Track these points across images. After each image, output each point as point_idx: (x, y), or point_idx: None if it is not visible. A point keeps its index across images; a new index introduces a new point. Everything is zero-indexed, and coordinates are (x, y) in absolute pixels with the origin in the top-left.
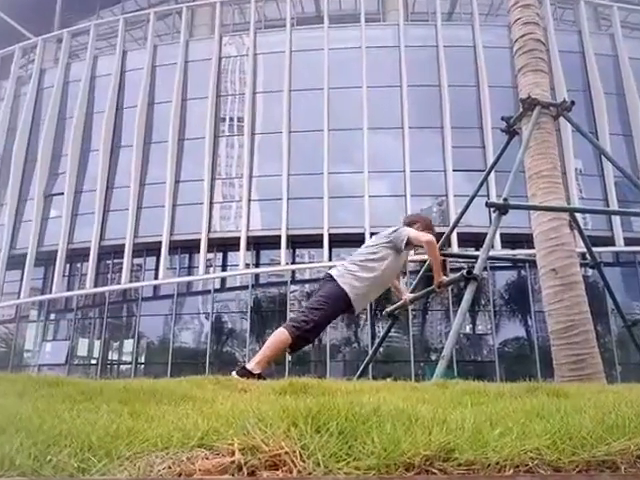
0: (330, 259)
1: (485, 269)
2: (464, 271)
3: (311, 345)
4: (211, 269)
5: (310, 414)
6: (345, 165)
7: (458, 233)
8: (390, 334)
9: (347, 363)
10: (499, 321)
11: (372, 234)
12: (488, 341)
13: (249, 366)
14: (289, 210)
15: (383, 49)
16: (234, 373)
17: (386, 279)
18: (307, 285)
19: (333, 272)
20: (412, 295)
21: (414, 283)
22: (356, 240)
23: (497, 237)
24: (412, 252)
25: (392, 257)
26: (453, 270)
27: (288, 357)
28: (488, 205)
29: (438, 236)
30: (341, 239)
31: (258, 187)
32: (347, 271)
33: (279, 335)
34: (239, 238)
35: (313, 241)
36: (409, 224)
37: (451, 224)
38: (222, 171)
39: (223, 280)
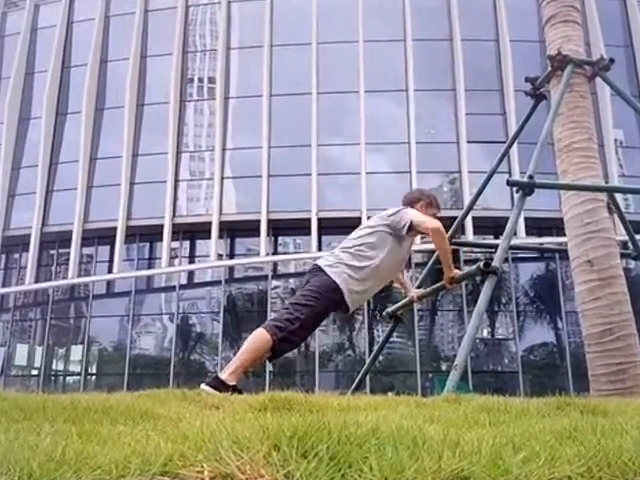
0: (319, 248)
1: (506, 261)
2: (481, 263)
3: (297, 352)
4: (176, 261)
5: (295, 435)
6: (337, 136)
7: (474, 217)
8: (392, 339)
9: (340, 374)
10: (523, 324)
11: (369, 218)
12: (510, 348)
13: (223, 376)
14: (270, 190)
15: None
16: (204, 385)
17: (386, 271)
18: (292, 280)
19: (321, 262)
20: (419, 291)
21: (420, 277)
22: (350, 226)
23: (521, 222)
24: (418, 240)
25: (392, 244)
26: (468, 262)
27: (269, 367)
28: (510, 184)
29: (449, 221)
30: (332, 224)
31: (233, 162)
32: (339, 260)
33: (258, 337)
34: (210, 223)
35: (299, 227)
36: (410, 203)
37: (465, 207)
38: (189, 143)
39: (191, 274)
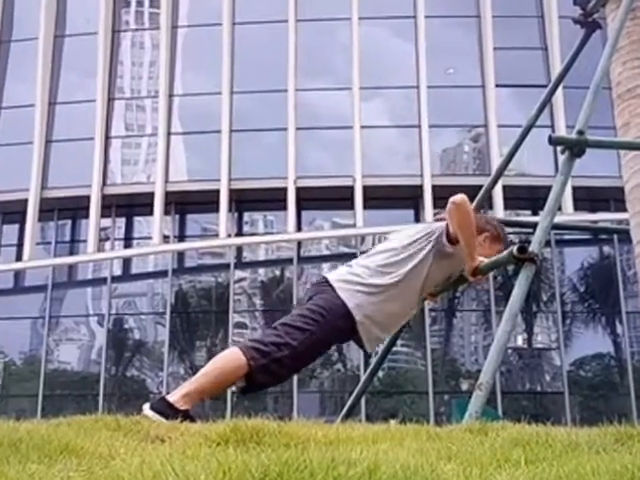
0: (299, 228)
1: (548, 244)
2: (514, 248)
3: None
4: (107, 244)
5: (266, 477)
6: (322, 77)
7: (505, 187)
8: (395, 349)
9: (326, 395)
10: (570, 328)
11: (365, 187)
12: (553, 360)
13: (172, 398)
14: (233, 150)
15: None
16: (147, 408)
17: (411, 290)
18: (262, 270)
19: (331, 276)
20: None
21: None
22: (341, 198)
23: (567, 193)
24: (430, 217)
25: (428, 259)
26: None
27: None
28: (553, 142)
29: (472, 191)
30: (316, 196)
31: (183, 113)
32: (353, 276)
33: (229, 358)
34: (152, 195)
35: (271, 199)
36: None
37: (493, 173)
38: (125, 87)
39: (127, 262)
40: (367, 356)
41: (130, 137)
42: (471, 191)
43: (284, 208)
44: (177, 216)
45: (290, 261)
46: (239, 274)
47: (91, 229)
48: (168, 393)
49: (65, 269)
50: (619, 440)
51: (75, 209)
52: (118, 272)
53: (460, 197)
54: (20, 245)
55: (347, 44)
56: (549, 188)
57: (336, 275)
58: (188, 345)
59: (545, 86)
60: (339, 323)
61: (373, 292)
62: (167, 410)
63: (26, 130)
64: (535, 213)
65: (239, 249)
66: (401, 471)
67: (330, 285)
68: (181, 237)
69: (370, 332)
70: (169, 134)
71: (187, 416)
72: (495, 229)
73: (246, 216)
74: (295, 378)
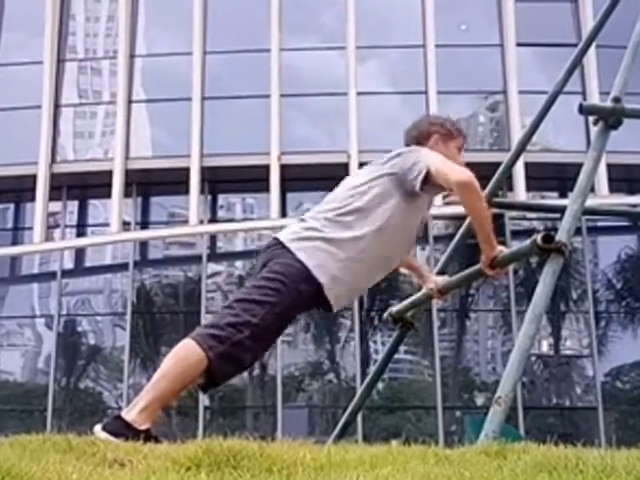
0: (283, 213)
1: (578, 232)
2: (538, 236)
3: (247, 376)
4: (57, 232)
5: None
6: (310, 35)
7: (527, 165)
8: (398, 356)
9: (315, 411)
10: (605, 331)
11: (362, 165)
12: (584, 370)
13: (129, 416)
14: (205, 121)
15: None
16: (99, 430)
17: (389, 247)
18: (239, 262)
19: (284, 235)
20: (442, 280)
21: (443, 259)
22: (333, 177)
23: (601, 172)
24: (438, 199)
25: (398, 205)
26: (518, 235)
27: (204, 399)
28: (584, 111)
29: (489, 169)
30: (304, 176)
31: (146, 77)
32: (311, 231)
33: (183, 352)
34: (110, 173)
35: (251, 179)
36: (419, 140)
37: (513, 148)
38: (78, 46)
39: (80, 252)
40: (364, 365)
41: (84, 105)
42: (488, 169)
43: (266, 189)
44: (139, 199)
45: None
46: (213, 267)
47: (38, 214)
48: None
49: (7, 261)
50: None
51: (19, 191)
52: (70, 265)
53: (467, 176)
54: None
55: None
56: (580, 166)
57: (289, 234)
58: (152, 351)
59: (575, 45)
60: (301, 288)
61: (335, 247)
62: (124, 431)
63: None
64: (563, 195)
65: (213, 238)
66: None
67: (285, 246)
68: (144, 224)
69: (338, 294)
70: (130, 102)
71: (149, 436)
72: (443, 126)
73: (221, 199)
74: (279, 389)
